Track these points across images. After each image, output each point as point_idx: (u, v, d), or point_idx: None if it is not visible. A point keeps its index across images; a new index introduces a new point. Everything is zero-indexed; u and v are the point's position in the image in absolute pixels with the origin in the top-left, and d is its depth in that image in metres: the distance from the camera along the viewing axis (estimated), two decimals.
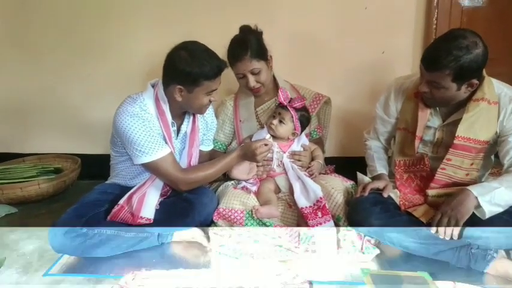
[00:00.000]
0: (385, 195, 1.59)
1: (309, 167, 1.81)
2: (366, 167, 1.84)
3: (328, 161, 2.03)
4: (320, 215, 1.59)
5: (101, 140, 2.42)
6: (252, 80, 1.81)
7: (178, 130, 1.69)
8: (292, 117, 1.76)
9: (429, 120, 1.60)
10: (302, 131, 1.85)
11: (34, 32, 2.35)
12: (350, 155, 2.40)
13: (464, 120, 1.50)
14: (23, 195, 2.11)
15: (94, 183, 2.00)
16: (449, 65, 1.36)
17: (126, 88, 2.23)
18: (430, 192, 1.59)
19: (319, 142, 2.06)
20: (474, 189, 1.43)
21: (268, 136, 1.73)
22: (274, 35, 2.03)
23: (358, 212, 1.56)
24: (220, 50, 1.76)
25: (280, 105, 1.78)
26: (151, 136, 1.53)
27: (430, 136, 1.63)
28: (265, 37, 1.85)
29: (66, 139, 2.54)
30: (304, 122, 1.82)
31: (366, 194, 1.59)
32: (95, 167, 2.27)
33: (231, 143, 2.02)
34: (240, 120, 1.96)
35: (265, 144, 1.64)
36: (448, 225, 1.41)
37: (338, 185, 1.72)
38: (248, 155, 1.64)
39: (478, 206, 1.42)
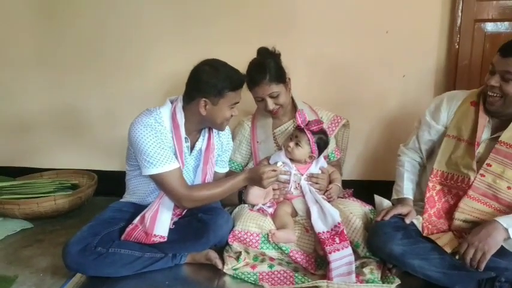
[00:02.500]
0: (408, 221, 1.54)
1: (327, 191, 1.77)
2: (385, 191, 1.78)
3: (345, 184, 1.99)
4: (338, 241, 1.55)
5: (117, 156, 2.45)
6: (270, 103, 1.81)
7: (193, 147, 1.70)
8: (309, 140, 1.73)
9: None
10: (320, 154, 1.83)
11: (61, 51, 2.40)
12: (368, 178, 2.36)
13: (511, 127, 1.46)
14: (39, 210, 2.12)
15: (109, 199, 2.00)
16: None
17: (144, 107, 2.28)
18: (459, 215, 1.53)
19: (336, 165, 2.03)
20: (504, 221, 1.38)
21: (280, 163, 1.71)
22: (294, 57, 2.07)
23: (379, 237, 1.51)
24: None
25: (298, 128, 1.76)
26: (162, 148, 1.54)
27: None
28: (284, 58, 1.85)
29: (83, 155, 2.57)
30: (322, 145, 1.80)
31: (387, 218, 1.54)
32: (111, 183, 2.30)
33: (247, 164, 2.00)
34: (257, 141, 1.95)
35: (274, 170, 1.62)
36: (474, 257, 1.35)
37: (357, 210, 1.68)
38: (255, 179, 1.63)
39: (508, 238, 1.36)
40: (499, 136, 1.50)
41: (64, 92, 2.48)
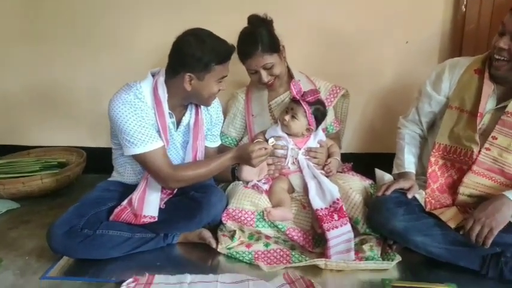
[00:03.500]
0: (410, 196, 1.48)
1: (326, 165, 1.70)
2: (386, 164, 1.72)
3: (344, 157, 1.91)
4: (336, 218, 1.49)
5: (106, 132, 2.24)
6: (265, 75, 1.72)
7: (179, 122, 1.61)
8: (305, 111, 1.65)
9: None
10: (318, 126, 1.75)
11: (45, 25, 2.28)
12: (368, 151, 2.29)
13: None
14: (25, 190, 2.05)
15: (99, 177, 1.93)
16: None
17: (132, 81, 2.21)
18: (464, 190, 1.46)
19: (335, 137, 1.96)
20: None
21: (271, 140, 1.64)
22: (290, 24, 1.96)
23: (380, 213, 1.45)
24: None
25: (293, 100, 1.67)
26: (143, 127, 1.45)
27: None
28: (280, 26, 1.74)
29: (71, 132, 2.48)
30: (319, 116, 1.72)
31: (389, 193, 1.48)
32: (101, 160, 2.22)
33: (242, 138, 1.93)
34: (252, 115, 1.87)
35: (264, 148, 1.54)
36: (481, 233, 1.29)
37: (356, 185, 1.62)
38: (243, 157, 1.55)
39: None
40: (505, 106, 1.41)
41: (49, 67, 2.36)
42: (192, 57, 1.42)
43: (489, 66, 1.45)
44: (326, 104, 1.86)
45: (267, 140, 1.72)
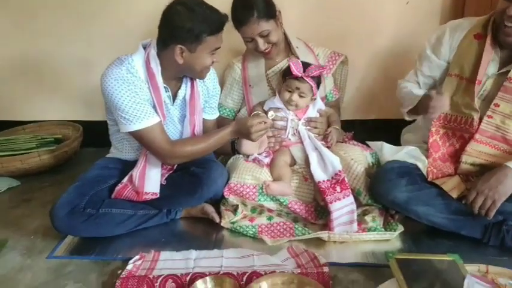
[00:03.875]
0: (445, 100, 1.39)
1: (326, 135, 1.68)
2: (386, 130, 1.71)
3: (344, 124, 1.89)
4: (339, 190, 1.49)
5: (101, 106, 2.21)
6: (261, 43, 1.66)
7: (175, 96, 1.56)
8: (312, 86, 1.62)
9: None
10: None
11: None
12: (368, 117, 2.28)
13: None
14: (24, 167, 2.04)
15: (97, 151, 1.93)
16: None
17: (126, 51, 2.13)
18: (466, 158, 1.45)
19: (335, 105, 1.93)
20: None
21: (271, 113, 1.61)
22: None
23: (382, 184, 1.45)
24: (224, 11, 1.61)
25: (295, 78, 1.61)
26: (138, 103, 1.40)
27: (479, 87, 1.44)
28: None
29: (66, 105, 2.43)
30: (318, 85, 1.69)
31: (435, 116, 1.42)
32: (98, 134, 2.19)
33: (240, 109, 1.90)
34: (250, 85, 1.83)
35: (264, 122, 1.51)
36: (484, 205, 1.30)
37: (358, 156, 1.60)
38: (242, 131, 1.51)
39: None
40: (508, 71, 1.37)
41: (36, 37, 2.27)
42: (181, 29, 1.35)
43: (494, 31, 1.39)
44: (325, 71, 1.82)
45: (266, 112, 1.70)
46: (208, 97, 1.69)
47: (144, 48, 1.48)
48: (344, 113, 2.13)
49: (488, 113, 1.41)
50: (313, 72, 1.60)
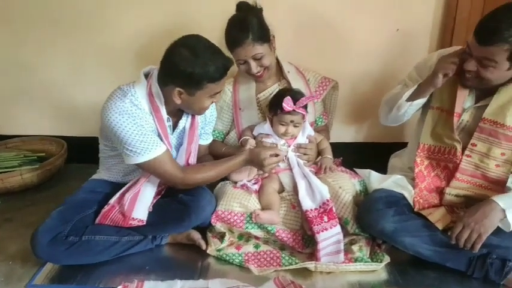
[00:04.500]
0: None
1: (319, 165, 1.71)
2: (374, 154, 1.74)
3: (332, 147, 1.87)
4: (326, 220, 1.49)
5: (88, 120, 2.30)
6: (254, 66, 1.66)
7: (175, 125, 1.57)
8: (304, 115, 1.67)
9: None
10: None
11: (19, 2, 2.13)
12: (356, 140, 2.30)
13: (494, 102, 1.39)
14: (5, 186, 1.99)
15: (82, 167, 1.90)
16: (509, 39, 1.23)
17: (113, 66, 2.18)
18: (450, 190, 1.49)
19: (324, 129, 1.95)
20: (500, 200, 1.33)
21: (282, 142, 1.65)
22: (276, 11, 1.89)
23: (370, 214, 1.46)
24: (216, 32, 1.61)
25: (286, 112, 1.63)
26: (144, 135, 1.40)
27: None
28: (266, 14, 1.68)
29: (50, 120, 2.39)
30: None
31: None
32: (83, 150, 2.19)
33: (229, 131, 1.90)
34: (240, 108, 1.83)
35: (276, 155, 1.54)
36: (469, 238, 1.32)
37: (346, 184, 1.60)
38: (255, 162, 1.55)
39: (504, 217, 1.32)
40: (485, 105, 1.42)
41: (20, 47, 2.23)
42: (182, 73, 1.35)
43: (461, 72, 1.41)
44: (315, 96, 1.85)
45: (254, 137, 1.73)
46: (205, 124, 1.71)
47: (146, 76, 1.47)
48: (331, 135, 2.14)
49: (467, 152, 1.45)
50: (304, 103, 1.63)
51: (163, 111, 1.46)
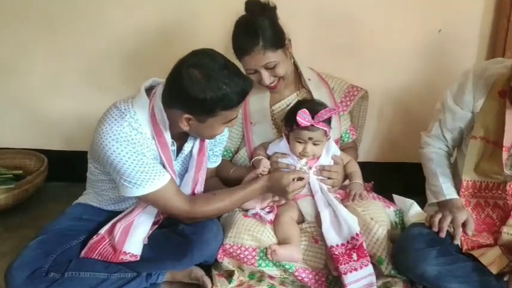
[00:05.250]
0: (469, 233, 1.45)
1: (351, 196, 1.66)
2: (407, 175, 1.76)
3: (360, 167, 1.86)
4: (355, 258, 1.47)
5: (72, 132, 2.34)
6: (266, 77, 1.65)
7: (179, 149, 1.57)
8: (326, 131, 1.65)
9: None
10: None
11: None
12: (387, 160, 2.30)
13: None
14: None
15: (65, 186, 1.90)
16: None
17: (100, 73, 2.20)
18: (508, 229, 1.46)
19: (352, 147, 1.94)
20: None
21: (303, 162, 1.64)
22: (294, 10, 1.91)
23: (408, 255, 1.43)
24: (219, 31, 1.61)
25: (304, 128, 1.62)
26: (146, 164, 1.40)
27: None
28: (281, 13, 1.68)
29: (28, 131, 2.42)
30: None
31: (443, 234, 1.43)
32: (65, 166, 2.25)
33: (238, 149, 1.89)
34: (251, 122, 1.83)
35: (300, 178, 1.53)
36: None
37: (379, 214, 1.58)
38: (276, 189, 1.54)
39: None
40: None
41: None
42: (192, 99, 1.31)
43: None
44: (341, 108, 1.85)
45: (269, 157, 1.73)
46: (214, 145, 1.71)
47: (147, 93, 1.46)
48: (361, 154, 2.14)
49: None
50: (325, 116, 1.61)
51: (167, 135, 1.46)
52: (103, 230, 1.53)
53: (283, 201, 1.66)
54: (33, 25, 2.19)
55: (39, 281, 1.40)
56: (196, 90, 1.30)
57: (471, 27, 2.02)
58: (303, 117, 1.58)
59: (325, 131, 1.64)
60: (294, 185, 1.51)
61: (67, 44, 2.20)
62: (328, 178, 1.70)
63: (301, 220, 1.66)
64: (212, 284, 1.56)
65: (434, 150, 1.68)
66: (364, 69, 2.10)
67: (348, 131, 1.92)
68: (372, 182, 1.89)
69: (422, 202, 1.68)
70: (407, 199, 1.65)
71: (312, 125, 1.60)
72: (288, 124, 1.70)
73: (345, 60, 2.10)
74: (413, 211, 1.60)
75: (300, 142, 1.66)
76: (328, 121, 1.66)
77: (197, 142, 1.58)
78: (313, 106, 1.64)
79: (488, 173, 1.48)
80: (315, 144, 1.65)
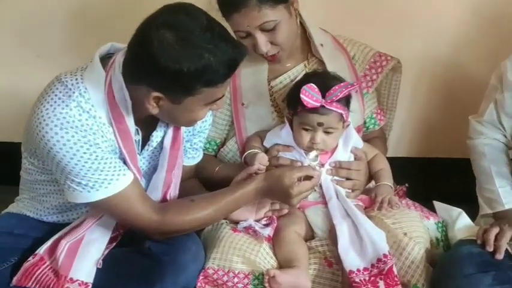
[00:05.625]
0: None
1: (378, 202, 1.66)
2: (452, 173, 1.80)
3: (390, 163, 1.87)
4: (382, 286, 1.47)
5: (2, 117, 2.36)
6: (263, 42, 1.65)
7: (146, 140, 1.57)
8: (342, 114, 1.63)
9: None
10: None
11: None
12: (428, 154, 2.32)
13: None
14: None
15: None
16: None
17: (37, 37, 2.21)
18: None
19: (379, 137, 1.99)
20: None
21: (312, 156, 1.63)
22: None
23: (454, 282, 1.42)
24: None
25: (312, 109, 1.60)
26: (100, 159, 1.39)
27: None
28: None
29: None
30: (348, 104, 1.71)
31: (501, 256, 1.43)
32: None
33: (225, 141, 1.91)
34: (243, 104, 1.84)
35: (309, 177, 1.53)
36: None
37: (415, 228, 1.57)
38: (276, 191, 1.55)
39: None
40: None
41: None
42: (163, 71, 1.29)
43: None
44: (364, 83, 1.86)
45: (266, 151, 1.74)
46: (192, 135, 1.71)
47: (102, 62, 1.44)
48: (391, 146, 2.17)
49: None
50: (339, 95, 1.59)
51: (129, 121, 1.45)
52: (42, 249, 1.51)
53: (285, 210, 1.66)
54: None
55: None
56: (168, 60, 1.28)
57: None
58: (310, 94, 1.56)
59: (341, 115, 1.63)
60: (300, 186, 1.51)
61: None
62: (347, 179, 1.71)
63: (310, 236, 1.67)
64: None
65: (488, 141, 1.71)
66: (393, 34, 2.14)
67: (374, 115, 1.93)
68: (406, 185, 1.88)
69: (473, 211, 1.70)
70: (453, 207, 1.66)
71: (322, 106, 1.58)
72: (291, 105, 1.69)
73: (369, 21, 2.14)
74: (461, 224, 1.62)
75: (306, 129, 1.64)
76: (345, 101, 1.65)
77: (170, 130, 1.57)
78: (324, 80, 1.63)
79: None
80: (327, 132, 1.64)
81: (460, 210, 1.64)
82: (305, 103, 1.56)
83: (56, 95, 1.39)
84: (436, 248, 1.60)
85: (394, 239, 1.54)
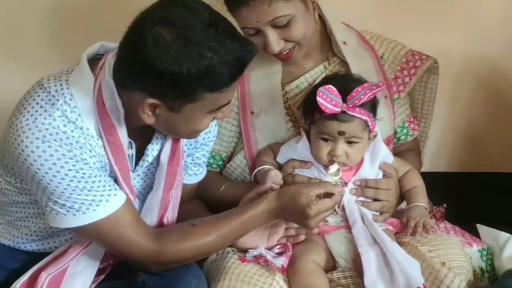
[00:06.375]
0: None
1: (405, 218, 1.68)
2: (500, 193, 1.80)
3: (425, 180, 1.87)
4: None
5: None
6: (275, 40, 1.66)
7: (140, 154, 1.58)
8: (367, 120, 1.63)
9: None
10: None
11: None
12: (471, 169, 2.31)
13: None
14: None
15: None
16: None
17: (16, 36, 2.20)
18: None
19: (412, 149, 1.99)
20: None
21: (334, 169, 1.63)
22: None
23: None
24: None
25: (332, 116, 1.60)
26: (88, 177, 1.39)
27: None
28: None
29: None
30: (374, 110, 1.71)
31: None
32: None
33: (231, 156, 1.91)
34: (252, 112, 1.85)
35: (329, 194, 1.53)
36: None
37: (455, 256, 1.55)
38: (289, 212, 1.53)
39: None
40: None
41: None
42: (160, 75, 1.29)
43: None
44: (396, 87, 1.87)
45: (280, 167, 1.75)
46: (194, 148, 1.71)
47: (91, 65, 1.45)
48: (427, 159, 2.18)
49: None
50: (363, 98, 1.58)
51: (121, 132, 1.45)
52: (19, 283, 1.51)
53: (302, 237, 1.66)
54: None
55: None
56: (165, 61, 1.27)
57: None
58: (329, 98, 1.57)
59: (366, 122, 1.63)
60: (319, 205, 1.50)
61: None
62: (375, 200, 1.70)
63: (330, 266, 1.67)
64: None
65: None
66: (429, 29, 2.15)
67: (406, 124, 1.94)
68: (444, 205, 1.87)
69: None
70: (501, 232, 1.66)
71: (343, 111, 1.58)
72: (307, 112, 1.70)
73: (400, 14, 2.15)
74: (510, 251, 1.61)
75: (325, 140, 1.64)
76: (370, 106, 1.66)
77: (168, 143, 1.58)
78: (345, 82, 1.63)
79: None
80: (349, 142, 1.64)
81: (508, 235, 1.65)
82: (323, 108, 1.56)
83: (37, 103, 1.39)
84: (481, 280, 1.61)
85: (430, 270, 1.53)
